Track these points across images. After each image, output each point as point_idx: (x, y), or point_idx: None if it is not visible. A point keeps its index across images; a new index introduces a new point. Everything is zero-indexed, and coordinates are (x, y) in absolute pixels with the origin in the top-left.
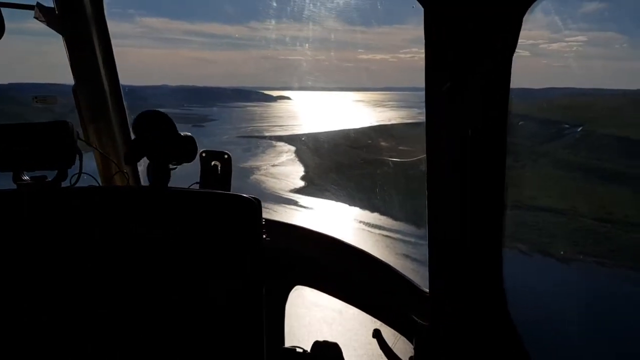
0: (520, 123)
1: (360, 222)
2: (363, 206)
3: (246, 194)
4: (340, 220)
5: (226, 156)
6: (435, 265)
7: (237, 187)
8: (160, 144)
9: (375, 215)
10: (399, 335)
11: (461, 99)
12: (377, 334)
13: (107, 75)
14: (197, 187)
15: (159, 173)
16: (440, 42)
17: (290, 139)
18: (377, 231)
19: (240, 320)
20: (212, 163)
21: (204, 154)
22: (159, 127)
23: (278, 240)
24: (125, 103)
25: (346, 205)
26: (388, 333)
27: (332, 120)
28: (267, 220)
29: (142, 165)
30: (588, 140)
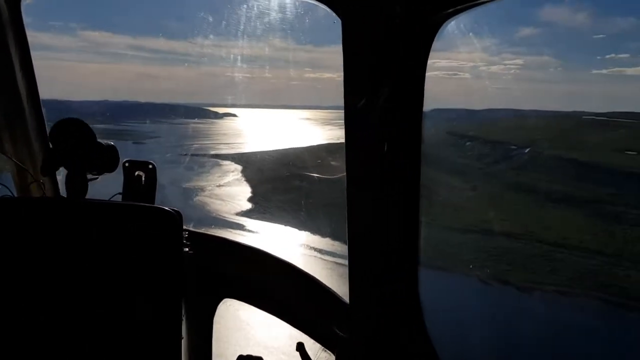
0: (467, 144)
1: (311, 248)
2: (314, 230)
3: (169, 208)
4: (289, 247)
5: (150, 166)
6: (355, 278)
7: (178, 208)
8: (78, 153)
9: (327, 240)
10: (322, 347)
11: (377, 116)
12: (300, 347)
13: (24, 84)
14: (120, 198)
15: (76, 183)
16: (356, 59)
17: (236, 158)
18: (330, 258)
19: (161, 334)
20: (136, 173)
21: (127, 164)
22: (76, 136)
23: (203, 253)
24: (44, 111)
25: (296, 230)
26: (312, 345)
27: (280, 139)
28: (192, 233)
29: (63, 175)
30: (536, 162)
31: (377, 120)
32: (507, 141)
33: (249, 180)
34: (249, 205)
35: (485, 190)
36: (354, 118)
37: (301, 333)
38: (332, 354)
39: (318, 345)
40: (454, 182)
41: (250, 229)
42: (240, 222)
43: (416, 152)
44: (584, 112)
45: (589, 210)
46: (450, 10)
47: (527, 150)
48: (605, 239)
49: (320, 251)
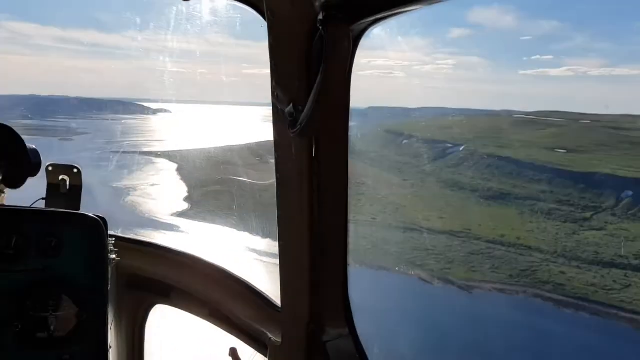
0: (404, 142)
1: (251, 250)
2: (254, 231)
3: (95, 214)
4: (227, 249)
5: (76, 170)
6: (286, 282)
7: (108, 211)
8: None
9: (268, 241)
10: (255, 352)
11: (305, 117)
12: (233, 352)
13: None
14: (43, 203)
15: None
16: (283, 60)
17: (171, 155)
18: (273, 260)
19: (87, 345)
20: (60, 177)
21: (50, 168)
22: None
23: (132, 259)
24: None
25: (234, 231)
26: (246, 350)
27: (217, 136)
28: (119, 239)
29: None
30: (471, 160)
31: (305, 123)
32: (442, 139)
33: (184, 178)
34: (185, 206)
35: (424, 187)
36: (282, 121)
37: (234, 338)
38: (266, 358)
39: (252, 350)
40: (394, 179)
41: (185, 230)
42: (175, 224)
43: (344, 152)
44: (513, 111)
45: (523, 207)
46: (372, 19)
47: (462, 149)
48: (540, 236)
49: (260, 253)
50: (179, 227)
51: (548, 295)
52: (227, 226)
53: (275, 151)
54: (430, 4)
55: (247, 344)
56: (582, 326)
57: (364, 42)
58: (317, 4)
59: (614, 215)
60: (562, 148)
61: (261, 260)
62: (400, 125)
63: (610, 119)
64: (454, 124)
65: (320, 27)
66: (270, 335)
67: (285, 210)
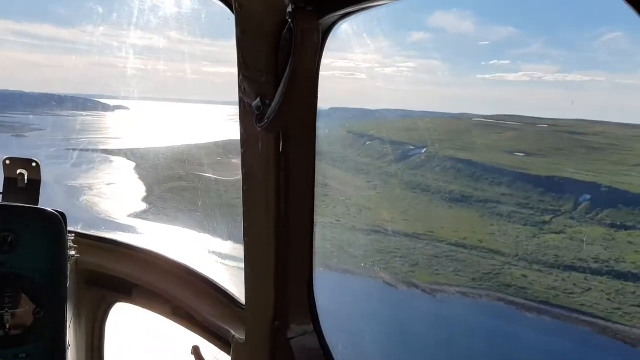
0: (367, 143)
1: (213, 252)
2: (215, 233)
3: (54, 209)
4: (188, 252)
5: (34, 164)
6: (251, 280)
7: (64, 210)
8: None
9: (229, 244)
10: (218, 350)
11: (272, 114)
12: (195, 350)
13: None
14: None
15: None
16: (250, 55)
17: (128, 154)
18: (233, 264)
19: (44, 343)
20: (18, 172)
21: (7, 162)
22: None
23: (92, 256)
24: None
25: (195, 232)
26: (209, 349)
27: (177, 134)
28: (79, 235)
29: None
30: (433, 162)
31: (272, 118)
32: (404, 141)
33: (143, 178)
34: (143, 206)
35: (387, 189)
36: (249, 115)
37: (197, 336)
38: (229, 356)
39: (215, 348)
40: (357, 181)
41: (143, 232)
42: (133, 225)
43: (311, 148)
44: (472, 114)
45: (484, 209)
46: (341, 12)
47: (423, 151)
48: (502, 239)
49: (221, 255)
50: (135, 229)
51: (511, 299)
52: (185, 227)
53: (242, 146)
54: (394, 0)
55: (210, 342)
56: (544, 330)
57: (326, 43)
58: None
59: (572, 218)
60: (521, 151)
61: (223, 263)
62: (362, 127)
63: (566, 123)
64: (416, 126)
65: (290, 20)
66: (234, 333)
67: (251, 206)
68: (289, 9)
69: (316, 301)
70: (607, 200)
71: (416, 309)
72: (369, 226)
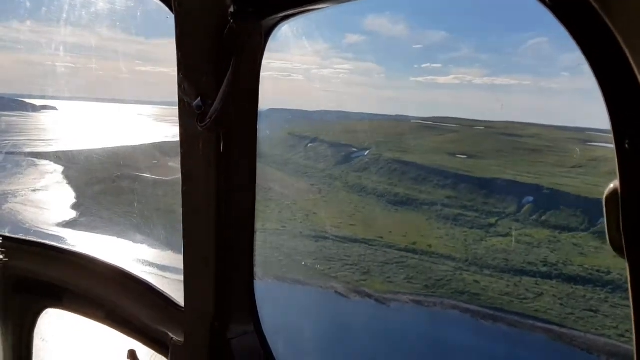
0: (309, 145)
1: (151, 265)
2: (153, 244)
3: None
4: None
5: None
6: (190, 282)
7: None
8: None
9: (169, 254)
10: (155, 353)
11: (212, 115)
12: (131, 354)
13: None
14: None
15: None
16: (190, 56)
17: (57, 157)
18: (174, 276)
19: None
20: None
21: None
22: None
23: (21, 260)
24: None
25: (130, 243)
26: (145, 352)
27: (109, 136)
28: (7, 238)
29: None
30: (377, 165)
31: (214, 117)
32: (346, 143)
33: (72, 183)
34: (72, 214)
35: (332, 193)
36: (189, 115)
37: (133, 340)
38: (166, 359)
39: (151, 351)
40: (301, 184)
41: (73, 243)
42: (61, 235)
43: (252, 148)
44: (410, 116)
45: (430, 213)
46: (282, 14)
47: (366, 153)
48: (450, 243)
49: (161, 267)
50: (64, 238)
51: (465, 306)
52: (123, 237)
53: (181, 146)
54: (337, 3)
55: (147, 346)
56: (503, 340)
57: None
58: None
59: (517, 221)
60: (463, 154)
61: (163, 276)
62: (303, 128)
63: (502, 125)
64: (356, 128)
65: (231, 21)
66: (172, 336)
67: (190, 208)
68: (231, 10)
69: (257, 301)
70: (549, 201)
71: (372, 322)
72: (317, 232)
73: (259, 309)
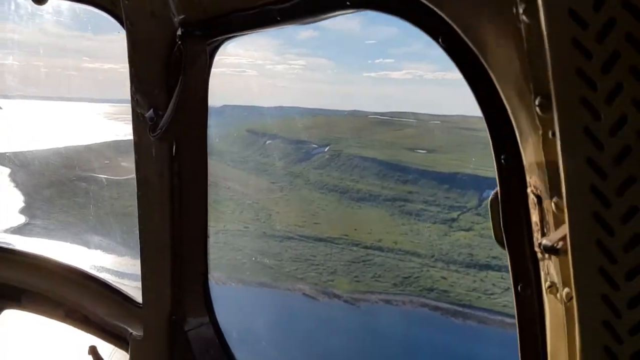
0: (268, 142)
1: (104, 270)
2: (106, 248)
3: None
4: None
5: None
6: (147, 279)
7: None
8: None
9: (126, 259)
10: (115, 348)
11: (164, 122)
12: (92, 350)
13: None
14: None
15: None
16: (142, 66)
17: (4, 159)
18: (131, 283)
19: None
20: None
21: None
22: None
23: None
24: None
25: (84, 249)
26: (105, 347)
27: (57, 135)
28: None
29: None
30: (338, 161)
31: (165, 128)
32: (305, 140)
33: (20, 185)
34: (20, 219)
35: (294, 191)
36: (142, 124)
37: (94, 337)
38: (126, 353)
39: (111, 347)
40: (262, 182)
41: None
42: (6, 240)
43: (203, 154)
44: (365, 111)
45: (393, 208)
46: (227, 36)
47: (326, 149)
48: (415, 239)
49: (115, 273)
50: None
51: (434, 304)
52: (76, 243)
53: (136, 152)
54: (279, 27)
55: (107, 342)
56: (476, 339)
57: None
58: (175, 20)
59: (478, 214)
60: (422, 148)
61: (121, 283)
62: (260, 125)
63: (457, 119)
64: (314, 124)
65: (179, 42)
66: (131, 331)
67: (146, 210)
68: (178, 33)
69: (211, 294)
70: None
71: (344, 325)
72: (281, 232)
73: (213, 302)
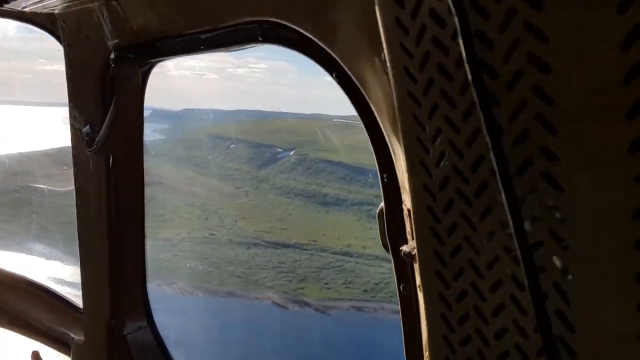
0: (231, 146)
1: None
2: (64, 258)
3: None
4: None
5: None
6: (88, 284)
7: None
8: None
9: (73, 269)
10: (58, 353)
11: (100, 138)
12: (35, 355)
13: None
14: None
15: None
16: (79, 81)
17: None
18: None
19: None
20: None
21: None
22: None
23: None
24: None
25: (43, 259)
26: (49, 353)
27: (10, 141)
28: None
29: None
30: (304, 165)
31: (100, 144)
32: (270, 144)
33: None
34: None
35: (259, 196)
36: (80, 139)
37: (37, 342)
38: (69, 358)
39: (54, 351)
40: (227, 188)
41: None
42: None
43: (139, 165)
44: (328, 115)
45: (361, 212)
46: (159, 59)
47: (292, 153)
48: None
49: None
50: None
51: None
52: (22, 252)
53: (74, 165)
54: (204, 53)
55: (51, 347)
56: None
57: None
58: (109, 43)
59: None
60: None
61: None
62: (223, 129)
63: None
64: (278, 128)
65: (113, 65)
66: (73, 336)
67: (84, 219)
68: (112, 56)
69: (149, 299)
70: None
71: (317, 334)
72: (248, 239)
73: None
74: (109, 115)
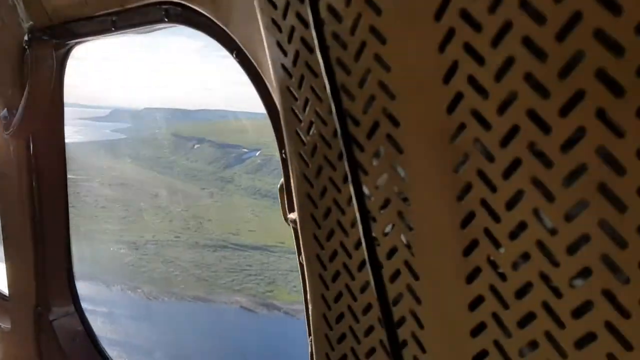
0: (195, 146)
1: None
2: None
3: None
4: None
5: None
6: (13, 272)
7: None
8: None
9: None
10: None
11: (15, 121)
12: None
13: None
14: None
15: None
16: None
17: None
18: None
19: None
20: None
21: None
22: None
23: None
24: None
25: None
26: None
27: None
28: None
29: None
30: (269, 165)
31: (16, 127)
32: (235, 144)
33: None
34: None
35: (225, 197)
36: None
37: None
38: None
39: None
40: (191, 189)
41: None
42: None
43: (60, 149)
44: None
45: None
46: (75, 42)
47: (257, 153)
48: None
49: None
50: None
51: None
52: None
53: None
54: (116, 35)
55: None
56: None
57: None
58: (24, 25)
59: None
60: None
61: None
62: (186, 129)
63: None
64: (243, 128)
65: (27, 48)
66: (0, 324)
67: (6, 205)
68: (25, 38)
69: (76, 285)
70: None
71: (287, 340)
72: (214, 241)
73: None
74: (23, 98)
